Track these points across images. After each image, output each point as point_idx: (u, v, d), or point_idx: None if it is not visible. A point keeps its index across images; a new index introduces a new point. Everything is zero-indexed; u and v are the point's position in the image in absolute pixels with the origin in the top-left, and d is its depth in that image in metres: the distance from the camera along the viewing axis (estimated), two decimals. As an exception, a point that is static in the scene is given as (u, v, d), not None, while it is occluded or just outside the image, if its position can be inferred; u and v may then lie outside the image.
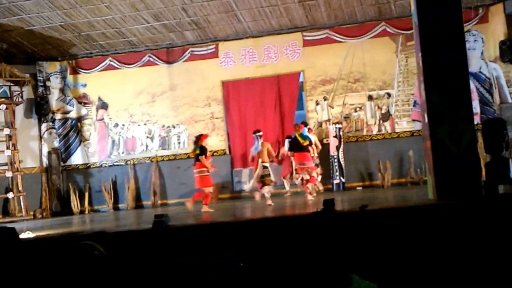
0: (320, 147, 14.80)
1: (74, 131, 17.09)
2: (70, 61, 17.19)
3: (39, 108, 16.57)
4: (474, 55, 14.99)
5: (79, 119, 17.15)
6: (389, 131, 15.76)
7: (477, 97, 14.89)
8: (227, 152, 16.36)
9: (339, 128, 15.63)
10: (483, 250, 6.42)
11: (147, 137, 16.91)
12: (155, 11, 14.90)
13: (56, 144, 16.95)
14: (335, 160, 15.46)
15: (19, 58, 16.67)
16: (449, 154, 8.29)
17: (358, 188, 15.51)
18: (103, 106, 17.11)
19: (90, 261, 4.32)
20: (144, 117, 16.95)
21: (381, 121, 15.81)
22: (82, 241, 4.64)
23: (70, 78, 17.19)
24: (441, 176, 8.36)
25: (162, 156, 16.75)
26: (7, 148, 15.46)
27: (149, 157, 16.77)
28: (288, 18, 15.61)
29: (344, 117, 15.94)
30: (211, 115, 16.56)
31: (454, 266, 6.32)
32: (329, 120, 15.96)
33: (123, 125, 17.01)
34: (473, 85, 14.23)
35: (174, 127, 16.79)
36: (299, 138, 13.15)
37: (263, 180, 12.61)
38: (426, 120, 8.61)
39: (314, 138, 14.41)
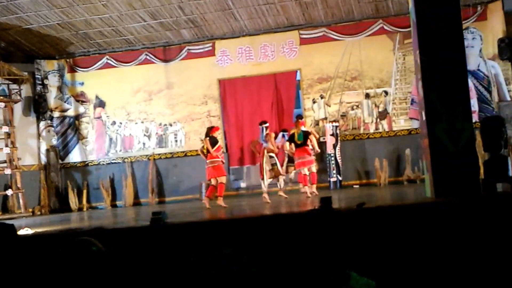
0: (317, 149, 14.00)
1: (72, 129, 17.11)
2: (68, 60, 17.20)
3: (37, 106, 16.62)
4: (473, 53, 15.00)
5: (77, 117, 17.17)
6: (386, 129, 15.76)
7: (475, 95, 14.86)
8: (224, 150, 16.31)
9: (336, 126, 15.61)
10: (481, 248, 6.42)
11: (144, 135, 16.92)
12: (152, 10, 14.89)
13: (54, 141, 16.98)
14: (332, 158, 15.45)
15: (17, 56, 16.69)
16: (447, 152, 8.29)
17: (355, 186, 15.52)
18: (101, 104, 17.13)
19: (87, 257, 4.32)
20: (141, 115, 16.97)
21: (378, 119, 15.81)
22: (80, 237, 4.63)
23: (67, 76, 17.21)
24: (439, 174, 8.35)
25: (159, 154, 16.75)
26: (6, 145, 15.52)
27: (147, 155, 16.78)
28: (285, 16, 15.61)
29: (341, 115, 15.94)
30: (208, 113, 16.56)
31: (452, 264, 6.32)
32: (326, 118, 15.95)
33: (121, 123, 17.03)
34: (471, 83, 14.24)
35: (171, 125, 16.81)
36: (296, 136, 13.21)
37: (273, 169, 12.70)
38: (424, 118, 8.60)
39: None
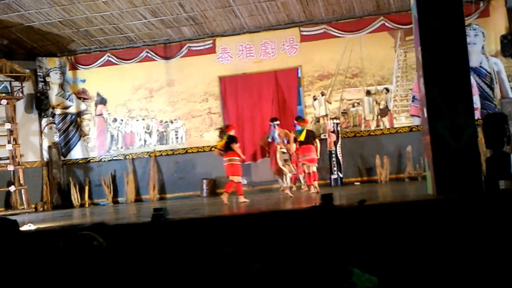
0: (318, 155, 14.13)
1: (73, 126, 17.16)
2: (69, 57, 17.25)
3: (39, 103, 16.67)
4: (475, 50, 14.99)
5: (79, 114, 17.22)
6: (388, 127, 15.74)
7: (477, 92, 14.88)
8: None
9: (337, 124, 15.60)
10: (483, 245, 6.41)
11: (146, 132, 16.95)
12: (153, 7, 14.90)
13: (56, 138, 17.03)
14: (333, 155, 15.45)
15: (19, 54, 16.74)
16: (449, 149, 8.27)
17: (356, 183, 15.51)
18: (102, 101, 17.16)
19: (88, 251, 4.32)
20: (142, 112, 17.00)
21: (379, 117, 15.80)
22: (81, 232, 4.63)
23: (69, 73, 17.25)
24: (440, 172, 8.33)
25: (160, 151, 16.78)
26: (9, 142, 15.68)
27: (148, 152, 16.81)
28: (285, 13, 15.60)
29: (342, 113, 15.92)
30: (209, 110, 16.59)
31: (453, 262, 6.31)
32: (326, 115, 15.94)
33: (122, 120, 17.05)
34: (473, 80, 14.21)
35: (172, 122, 16.82)
36: (297, 133, 13.26)
37: (287, 164, 12.72)
38: (426, 115, 8.57)
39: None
